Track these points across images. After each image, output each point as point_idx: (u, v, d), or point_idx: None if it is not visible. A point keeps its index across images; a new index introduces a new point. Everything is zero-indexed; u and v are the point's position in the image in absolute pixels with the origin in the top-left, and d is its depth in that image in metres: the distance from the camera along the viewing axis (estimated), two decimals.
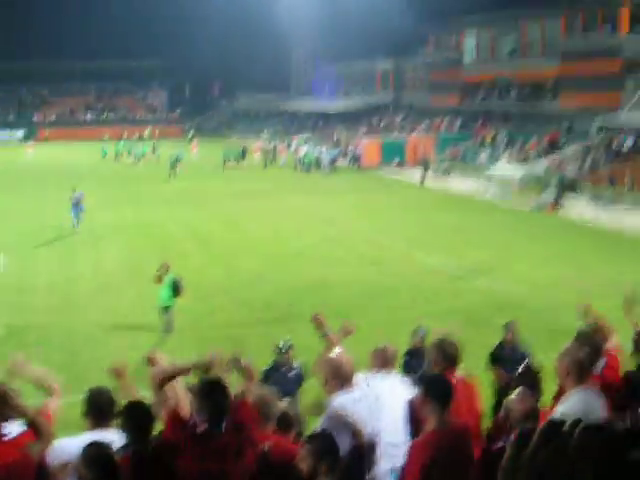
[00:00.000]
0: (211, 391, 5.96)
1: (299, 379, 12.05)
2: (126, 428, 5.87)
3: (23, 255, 29.85)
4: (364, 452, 6.50)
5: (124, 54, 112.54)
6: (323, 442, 5.44)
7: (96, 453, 4.95)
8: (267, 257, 29.65)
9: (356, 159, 65.63)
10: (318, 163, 64.50)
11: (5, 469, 5.38)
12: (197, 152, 72.03)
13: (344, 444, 6.11)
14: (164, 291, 19.32)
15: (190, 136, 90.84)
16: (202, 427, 5.90)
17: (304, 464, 5.25)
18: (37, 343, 19.33)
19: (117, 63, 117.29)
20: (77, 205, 34.33)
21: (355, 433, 6.44)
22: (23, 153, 77.74)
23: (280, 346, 12.24)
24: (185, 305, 21.30)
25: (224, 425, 5.93)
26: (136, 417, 5.93)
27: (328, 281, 25.48)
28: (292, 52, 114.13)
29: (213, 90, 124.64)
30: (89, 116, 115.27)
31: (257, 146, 72.20)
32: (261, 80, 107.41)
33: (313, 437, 5.66)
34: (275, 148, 72.34)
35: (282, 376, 12.01)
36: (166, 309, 19.37)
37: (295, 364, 12.21)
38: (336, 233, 34.53)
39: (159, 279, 19.38)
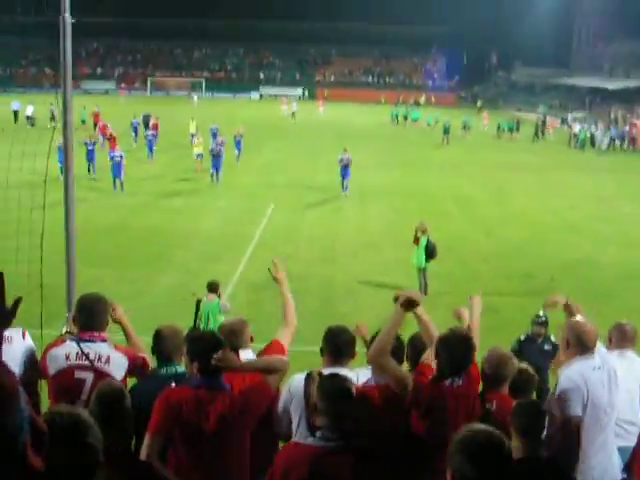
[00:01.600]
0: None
1: (554, 353, 11.64)
2: None
3: (291, 208, 31.05)
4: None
5: (406, 20, 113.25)
6: None
7: (336, 384, 4.99)
8: (531, 229, 28.99)
9: (632, 140, 62.81)
10: (593, 141, 62.60)
11: (243, 395, 5.53)
12: (487, 123, 71.29)
13: (575, 410, 5.88)
14: (420, 252, 19.46)
15: (479, 106, 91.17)
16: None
17: None
18: (296, 291, 19.91)
19: (397, 28, 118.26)
20: (346, 167, 34.27)
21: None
22: (312, 109, 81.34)
23: (539, 315, 11.88)
24: (446, 269, 21.35)
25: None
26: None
27: (592, 259, 24.48)
28: (574, 27, 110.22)
29: (491, 60, 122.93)
30: (367, 78, 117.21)
31: (551, 123, 70.60)
32: (540, 53, 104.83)
33: None
34: (544, 122, 70.65)
35: (537, 348, 11.67)
36: (422, 270, 19.54)
37: (553, 337, 11.79)
38: (605, 212, 33.14)
39: (416, 240, 19.57)
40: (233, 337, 6.28)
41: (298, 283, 20.65)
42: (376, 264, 22.72)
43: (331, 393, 4.89)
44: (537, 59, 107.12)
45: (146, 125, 49.81)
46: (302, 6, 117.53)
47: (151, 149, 43.03)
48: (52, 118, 52.14)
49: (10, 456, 2.06)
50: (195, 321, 11.61)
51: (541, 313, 11.82)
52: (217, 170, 35.93)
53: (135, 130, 49.44)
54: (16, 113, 60.69)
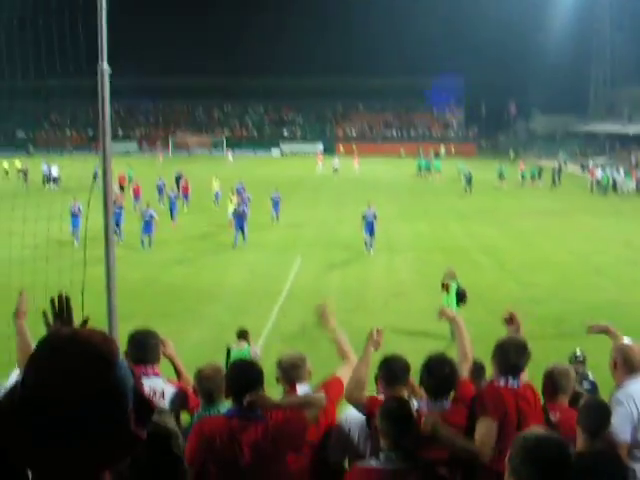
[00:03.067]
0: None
1: (593, 392, 11.55)
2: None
3: (320, 260, 31.13)
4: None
5: (421, 71, 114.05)
6: None
7: (397, 407, 5.04)
8: (559, 274, 29.00)
9: None
10: (615, 186, 62.77)
11: (277, 424, 5.54)
12: (524, 169, 71.07)
13: (624, 436, 5.88)
14: (450, 299, 19.51)
15: (512, 156, 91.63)
16: None
17: None
18: (327, 340, 19.97)
19: (414, 80, 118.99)
20: (371, 224, 32.86)
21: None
22: (315, 165, 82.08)
23: (577, 354, 11.82)
24: (476, 317, 21.25)
25: None
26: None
27: (622, 302, 24.37)
28: (591, 73, 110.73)
29: (509, 109, 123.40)
30: (387, 132, 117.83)
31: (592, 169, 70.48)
32: (558, 101, 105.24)
33: None
34: (561, 169, 71.00)
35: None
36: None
37: (590, 375, 11.73)
38: (631, 255, 33.02)
39: (446, 287, 19.63)
40: (292, 370, 6.41)
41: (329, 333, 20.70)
42: (407, 312, 22.71)
43: (391, 415, 4.90)
44: (555, 106, 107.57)
45: (177, 184, 49.85)
46: (320, 62, 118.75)
47: (173, 211, 41.87)
48: (94, 178, 53.26)
49: (115, 416, 2.08)
50: (226, 369, 11.65)
51: (578, 352, 11.78)
52: (242, 229, 34.78)
53: (160, 191, 48.93)
54: (46, 175, 60.98)
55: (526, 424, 5.23)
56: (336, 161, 77.56)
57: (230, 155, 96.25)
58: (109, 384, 2.03)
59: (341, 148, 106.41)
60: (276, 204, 41.76)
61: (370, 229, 32.83)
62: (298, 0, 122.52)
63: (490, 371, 6.58)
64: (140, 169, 65.90)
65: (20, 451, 2.01)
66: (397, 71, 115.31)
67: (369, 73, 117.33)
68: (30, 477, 2.07)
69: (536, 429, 3.63)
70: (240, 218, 34.78)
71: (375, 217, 32.91)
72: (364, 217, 33.04)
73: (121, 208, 35.55)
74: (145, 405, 2.18)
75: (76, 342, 2.06)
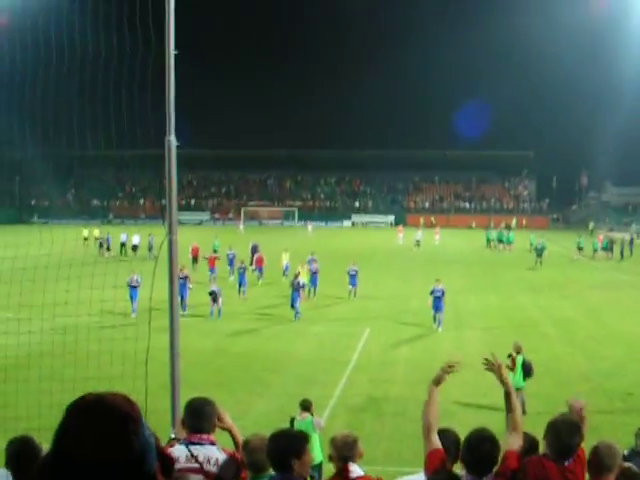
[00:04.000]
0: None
1: None
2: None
3: (387, 332, 31.12)
4: None
5: (493, 144, 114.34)
6: None
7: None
8: (629, 347, 28.64)
9: None
10: None
11: None
12: (602, 239, 70.42)
13: None
14: (518, 372, 19.44)
15: (591, 228, 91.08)
16: None
17: None
18: (394, 413, 19.97)
19: (487, 153, 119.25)
20: (439, 299, 32.02)
21: None
22: (395, 237, 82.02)
23: None
24: (544, 390, 21.08)
25: None
26: None
27: None
28: None
29: (581, 181, 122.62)
30: (458, 204, 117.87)
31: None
32: (630, 172, 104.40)
33: None
34: (633, 241, 71.08)
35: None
36: (519, 390, 19.42)
37: None
38: None
39: (513, 361, 19.63)
40: (345, 448, 6.53)
41: (396, 406, 20.68)
42: (475, 385, 22.47)
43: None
44: (628, 178, 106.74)
45: (252, 255, 49.97)
46: (391, 136, 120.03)
47: (242, 283, 40.64)
48: (150, 248, 54.65)
49: (144, 473, 2.23)
50: None
51: None
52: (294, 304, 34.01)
53: (230, 262, 48.31)
54: (123, 245, 62.48)
55: None
56: (419, 233, 77.32)
57: (310, 226, 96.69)
58: (137, 443, 2.18)
59: (421, 220, 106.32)
60: (353, 277, 40.35)
61: (437, 306, 32.06)
62: (370, 74, 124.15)
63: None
64: (210, 236, 66.86)
65: None
66: (471, 144, 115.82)
67: (441, 147, 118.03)
68: None
69: None
70: (296, 292, 34.12)
71: (443, 294, 32.15)
72: (432, 293, 32.36)
73: (185, 278, 34.45)
74: (166, 459, 2.35)
75: (102, 406, 2.21)
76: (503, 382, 6.24)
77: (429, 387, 6.15)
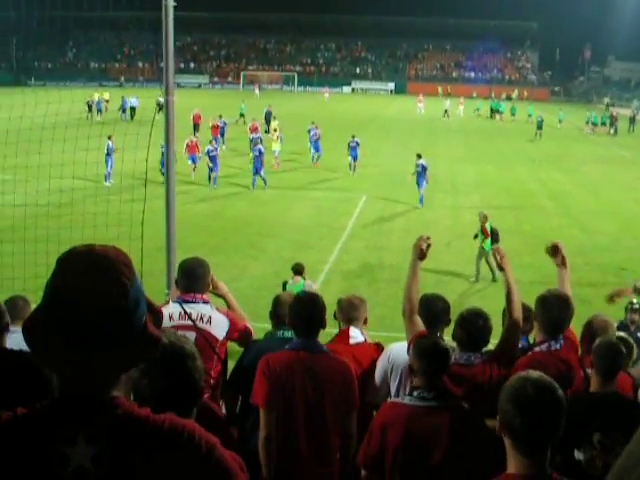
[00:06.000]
0: None
1: None
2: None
3: (384, 199, 31.16)
4: None
5: (497, 14, 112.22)
6: None
7: (432, 346, 5.04)
8: (625, 223, 28.65)
9: None
10: None
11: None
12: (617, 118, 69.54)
13: None
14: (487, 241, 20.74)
15: (607, 102, 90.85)
16: None
17: None
18: (388, 280, 20.17)
19: (490, 23, 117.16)
20: (421, 175, 30.54)
21: None
22: (415, 107, 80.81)
23: (634, 302, 11.75)
24: (539, 262, 21.18)
25: None
26: None
27: None
28: None
29: (584, 55, 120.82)
30: (459, 73, 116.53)
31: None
32: (634, 47, 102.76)
33: None
34: (634, 117, 70.28)
35: (631, 336, 11.56)
36: (487, 252, 20.48)
37: None
38: None
39: (484, 230, 20.95)
40: (350, 309, 6.64)
41: (391, 273, 20.86)
42: (468, 254, 22.68)
43: (426, 352, 4.96)
44: (631, 53, 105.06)
45: (267, 122, 48.99)
46: (395, 2, 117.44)
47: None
48: (123, 110, 56.75)
49: (136, 318, 2.26)
50: None
51: (635, 301, 11.70)
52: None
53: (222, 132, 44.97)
54: (133, 109, 59.06)
55: (568, 387, 5.21)
56: (448, 103, 75.30)
57: (327, 94, 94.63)
58: (131, 289, 2.20)
59: (439, 90, 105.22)
60: (353, 149, 37.64)
61: (417, 181, 30.74)
62: None
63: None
64: (211, 100, 66.19)
65: (51, 355, 2.18)
66: (474, 13, 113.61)
67: (444, 14, 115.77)
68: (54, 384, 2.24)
69: (527, 373, 3.56)
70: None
71: (424, 169, 30.63)
72: (416, 167, 30.99)
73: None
74: (155, 310, 2.37)
75: (94, 254, 2.22)
76: (505, 274, 6.17)
77: (413, 261, 6.05)
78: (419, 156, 30.99)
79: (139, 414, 2.26)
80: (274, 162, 37.85)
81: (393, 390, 6.14)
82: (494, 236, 20.77)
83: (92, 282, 2.15)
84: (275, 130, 41.31)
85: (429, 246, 6.00)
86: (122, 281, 2.19)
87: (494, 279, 19.87)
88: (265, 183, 32.77)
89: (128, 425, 2.22)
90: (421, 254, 5.94)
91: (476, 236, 21.32)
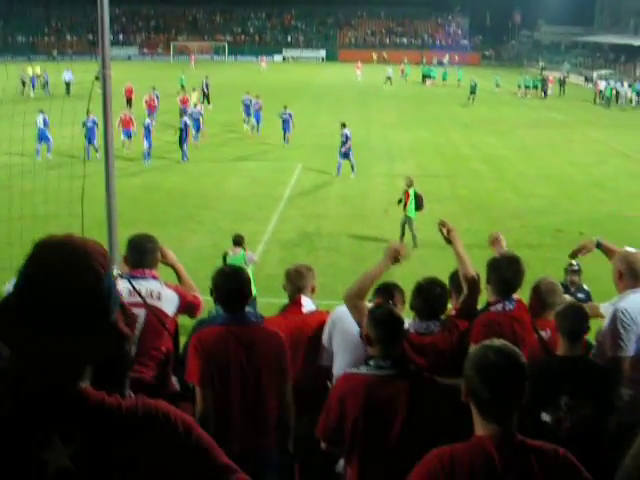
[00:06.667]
0: None
1: (587, 301, 11.67)
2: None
3: (320, 168, 31.05)
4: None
5: None
6: None
7: (387, 314, 5.02)
8: (559, 185, 29.07)
9: None
10: (617, 98, 63.13)
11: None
12: (553, 83, 70.77)
13: (627, 349, 5.68)
14: (410, 204, 20.64)
15: (542, 66, 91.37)
16: None
17: None
18: (328, 249, 20.20)
19: None
20: (345, 143, 29.51)
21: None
22: (353, 74, 79.83)
23: (572, 265, 11.94)
24: (475, 226, 21.43)
25: None
26: None
27: (621, 215, 24.50)
28: None
29: (514, 19, 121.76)
30: (389, 39, 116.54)
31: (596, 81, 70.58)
32: (564, 11, 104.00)
33: None
34: (564, 80, 71.30)
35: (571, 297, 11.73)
36: (409, 218, 20.67)
37: (585, 286, 11.90)
38: (631, 168, 33.05)
39: (406, 195, 20.74)
40: (297, 278, 6.64)
41: (329, 241, 20.90)
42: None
43: (381, 321, 4.94)
44: (561, 17, 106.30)
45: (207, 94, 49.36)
46: None
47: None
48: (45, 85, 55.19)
49: (106, 309, 2.23)
50: None
51: (574, 262, 11.86)
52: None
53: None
54: (68, 84, 53.17)
55: (523, 346, 5.21)
56: (390, 70, 73.59)
57: (264, 63, 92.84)
58: (107, 279, 2.19)
59: (346, 54, 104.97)
60: (286, 122, 36.78)
61: (347, 154, 29.86)
62: None
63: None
64: (142, 73, 65.18)
65: (20, 340, 2.12)
66: None
67: None
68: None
69: (490, 341, 3.58)
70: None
71: (347, 138, 29.63)
72: (342, 136, 29.87)
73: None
74: (128, 312, 2.33)
75: (72, 241, 2.20)
76: (454, 247, 6.20)
77: (383, 263, 5.89)
78: (343, 125, 30.06)
79: (110, 403, 2.22)
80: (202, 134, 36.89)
81: (339, 355, 6.13)
82: (418, 201, 20.63)
83: (69, 266, 2.14)
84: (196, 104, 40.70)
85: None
86: (97, 268, 2.17)
87: (415, 245, 19.90)
88: (183, 157, 32.09)
89: (101, 416, 2.19)
90: (395, 260, 5.89)
91: (400, 201, 21.06)
